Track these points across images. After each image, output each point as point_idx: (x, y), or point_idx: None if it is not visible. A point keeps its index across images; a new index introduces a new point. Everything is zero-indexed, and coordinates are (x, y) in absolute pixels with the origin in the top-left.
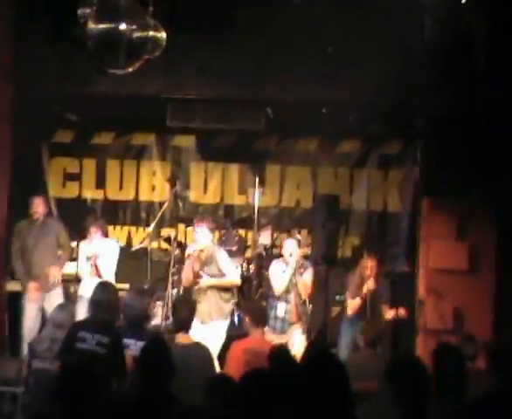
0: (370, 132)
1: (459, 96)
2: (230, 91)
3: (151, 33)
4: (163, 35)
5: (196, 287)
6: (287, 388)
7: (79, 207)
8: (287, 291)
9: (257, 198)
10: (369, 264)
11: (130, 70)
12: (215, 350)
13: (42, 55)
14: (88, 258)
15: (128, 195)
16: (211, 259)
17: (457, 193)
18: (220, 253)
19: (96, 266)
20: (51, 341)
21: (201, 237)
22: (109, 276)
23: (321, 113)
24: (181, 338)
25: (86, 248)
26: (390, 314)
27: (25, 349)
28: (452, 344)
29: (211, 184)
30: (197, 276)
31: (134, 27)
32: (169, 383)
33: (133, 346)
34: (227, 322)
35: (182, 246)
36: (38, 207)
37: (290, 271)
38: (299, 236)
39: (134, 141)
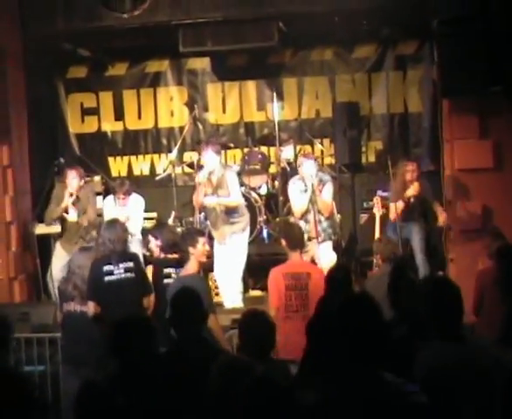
0: (384, 35)
1: None
2: (239, 11)
3: None
4: None
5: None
6: None
7: (100, 140)
8: (307, 211)
9: (276, 113)
10: (409, 168)
11: (136, 13)
12: (239, 266)
13: None
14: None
15: (147, 123)
16: (223, 181)
17: (476, 91)
18: (230, 174)
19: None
20: (75, 283)
21: (208, 161)
22: (137, 229)
23: (334, 22)
24: (184, 269)
25: (113, 211)
26: (442, 217)
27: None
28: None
29: (230, 103)
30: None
31: None
32: (202, 330)
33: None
34: (245, 234)
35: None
36: (73, 181)
37: (309, 192)
38: (320, 146)
39: (148, 69)
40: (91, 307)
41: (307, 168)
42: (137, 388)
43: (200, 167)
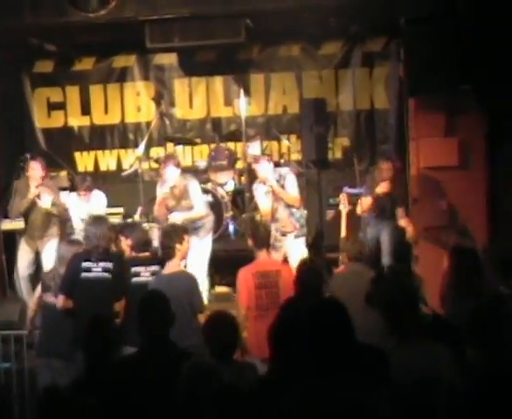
0: (351, 32)
1: None
2: (207, 7)
3: None
4: None
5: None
6: None
7: (67, 135)
8: (275, 210)
9: (243, 108)
10: (384, 167)
11: (102, 12)
12: (203, 265)
13: None
14: (82, 220)
15: (114, 118)
16: (185, 192)
17: (443, 89)
18: (192, 185)
19: None
20: (53, 274)
21: (169, 177)
22: None
23: (301, 18)
24: (168, 266)
25: (77, 206)
26: (403, 221)
27: (23, 289)
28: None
29: (197, 99)
30: (170, 212)
31: None
32: (168, 332)
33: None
34: (209, 234)
35: None
36: (35, 172)
37: (269, 190)
38: (287, 142)
39: (115, 64)
40: (60, 300)
41: (262, 170)
42: (103, 390)
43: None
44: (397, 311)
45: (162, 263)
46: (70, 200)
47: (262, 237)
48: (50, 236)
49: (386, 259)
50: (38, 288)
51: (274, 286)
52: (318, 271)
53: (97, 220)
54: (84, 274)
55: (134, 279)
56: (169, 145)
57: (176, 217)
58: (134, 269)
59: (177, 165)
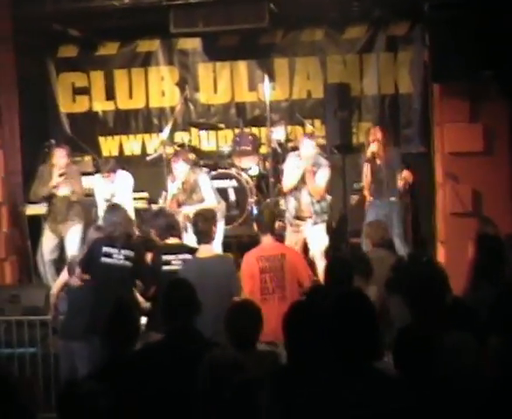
0: (375, 16)
1: None
2: None
3: None
4: None
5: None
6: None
7: (91, 120)
8: (295, 188)
9: (267, 93)
10: (371, 132)
11: (126, 1)
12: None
13: None
14: (106, 200)
15: (138, 103)
16: (195, 187)
17: (467, 76)
18: (202, 179)
19: None
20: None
21: (180, 172)
22: (127, 205)
23: (324, 3)
24: (201, 251)
25: (101, 187)
26: (401, 181)
27: (48, 274)
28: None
29: (221, 84)
30: (181, 206)
31: None
32: (193, 322)
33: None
34: (221, 223)
35: (196, 150)
36: (60, 160)
37: (300, 170)
38: (311, 127)
39: (139, 49)
40: (77, 274)
41: (306, 147)
42: (124, 379)
43: (193, 148)
44: (419, 297)
45: (192, 250)
46: (94, 182)
47: (266, 223)
48: (73, 222)
49: (397, 242)
50: (62, 273)
51: (279, 270)
52: (348, 263)
53: (112, 208)
54: (104, 259)
55: (165, 268)
56: (194, 130)
57: (189, 210)
58: (164, 257)
59: (187, 160)
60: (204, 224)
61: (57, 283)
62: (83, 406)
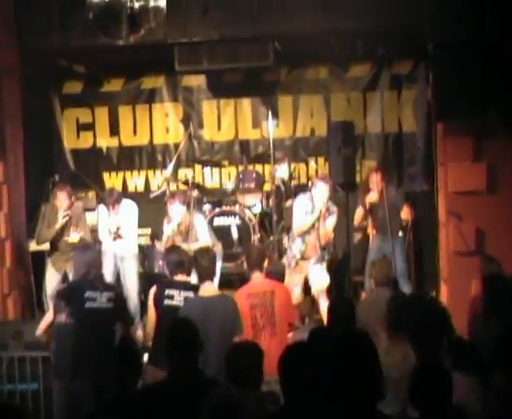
0: (379, 54)
1: (466, 16)
2: (235, 30)
3: (152, 3)
4: (163, 3)
5: None
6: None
7: (95, 156)
8: (307, 232)
9: (271, 130)
10: (373, 177)
11: (132, 40)
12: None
13: (44, 10)
14: (110, 232)
15: (142, 139)
16: (191, 228)
17: (471, 115)
18: (197, 220)
19: (119, 235)
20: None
21: (176, 214)
22: (133, 236)
23: (329, 41)
24: (205, 289)
25: (106, 219)
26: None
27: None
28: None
29: (225, 121)
30: None
31: None
32: (197, 360)
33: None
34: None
35: (199, 187)
36: (64, 202)
37: (316, 215)
38: (314, 165)
39: (144, 85)
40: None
41: (321, 190)
42: (129, 415)
43: (197, 185)
44: (426, 336)
45: (195, 288)
46: (98, 214)
47: (255, 260)
48: None
49: (401, 280)
50: (49, 311)
51: (269, 306)
52: (350, 302)
53: (85, 248)
54: (88, 303)
55: (167, 302)
56: (197, 167)
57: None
58: (167, 291)
59: (183, 202)
60: (207, 262)
61: (43, 320)
62: None
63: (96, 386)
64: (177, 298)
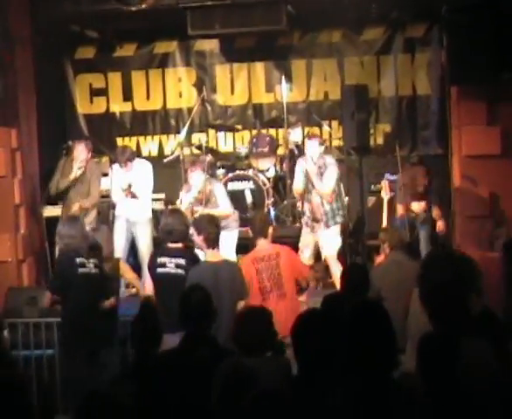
0: (392, 17)
1: None
2: None
3: None
4: None
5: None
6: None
7: (109, 121)
8: (307, 191)
9: (285, 94)
10: (418, 180)
11: (145, 6)
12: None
13: None
14: (123, 190)
15: (155, 104)
16: (211, 196)
17: (484, 78)
18: (217, 188)
19: (132, 193)
20: None
21: (196, 181)
22: (147, 196)
23: (342, 4)
24: (210, 255)
25: (119, 176)
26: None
27: None
28: None
29: (238, 85)
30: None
31: None
32: (210, 328)
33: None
34: (235, 233)
35: (213, 152)
36: (81, 154)
37: (303, 173)
38: (328, 128)
39: (156, 50)
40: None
41: (310, 148)
42: (146, 383)
43: (211, 150)
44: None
45: (185, 255)
46: (112, 172)
47: (258, 227)
48: (89, 225)
49: (424, 247)
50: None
51: (275, 268)
52: (363, 269)
53: (70, 220)
54: (81, 270)
55: (159, 270)
56: (211, 131)
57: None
58: (159, 259)
59: (204, 170)
60: (214, 228)
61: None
62: (106, 407)
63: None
64: (169, 264)
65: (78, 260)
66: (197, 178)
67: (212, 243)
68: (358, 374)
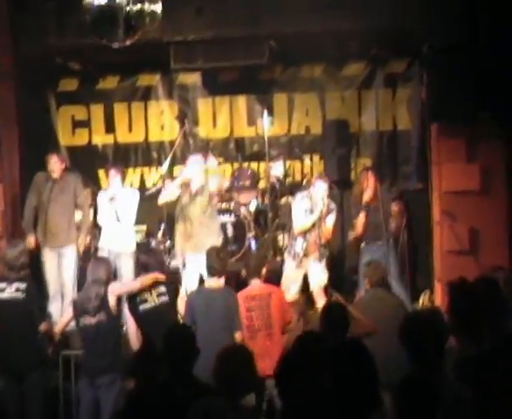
0: (373, 54)
1: (460, 19)
2: (230, 30)
3: (147, 6)
4: (159, 8)
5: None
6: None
7: (91, 153)
8: (308, 231)
9: (266, 128)
10: (367, 177)
11: (128, 43)
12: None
13: (39, 11)
14: (111, 199)
15: (137, 136)
16: (204, 191)
17: (464, 117)
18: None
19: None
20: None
21: (193, 165)
22: (129, 222)
23: (323, 41)
24: (211, 281)
25: (105, 193)
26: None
27: (51, 308)
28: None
29: (220, 118)
30: None
31: (130, 0)
32: (192, 367)
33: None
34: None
35: None
36: (55, 165)
37: (317, 214)
38: (309, 162)
39: (139, 83)
40: None
41: (320, 190)
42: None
43: None
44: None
45: (167, 284)
46: (99, 199)
47: (253, 267)
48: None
49: (394, 284)
50: (67, 311)
51: (265, 308)
52: (343, 308)
53: (13, 244)
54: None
55: (142, 306)
56: None
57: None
58: (139, 297)
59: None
60: (217, 262)
61: (61, 321)
62: None
63: None
64: (150, 298)
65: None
66: (195, 162)
67: (217, 273)
68: (338, 411)
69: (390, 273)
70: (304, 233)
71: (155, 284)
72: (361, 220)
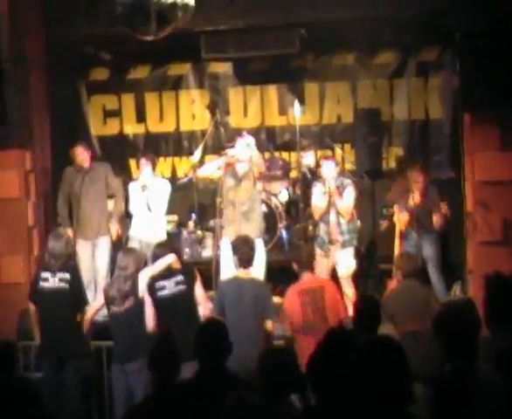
0: (406, 42)
1: (494, 6)
2: (260, 19)
3: (181, 0)
4: (192, 0)
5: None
6: None
7: (122, 143)
8: (325, 212)
9: (297, 117)
10: (417, 178)
11: (161, 36)
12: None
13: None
14: (143, 188)
15: (168, 126)
16: (249, 175)
17: (497, 105)
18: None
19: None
20: (117, 286)
21: (241, 147)
22: (160, 212)
23: (355, 29)
24: (241, 271)
25: (136, 183)
26: (437, 220)
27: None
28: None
29: (251, 107)
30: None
31: None
32: (225, 361)
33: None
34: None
35: None
36: (82, 155)
37: (326, 193)
38: (340, 151)
39: (170, 72)
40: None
41: (327, 169)
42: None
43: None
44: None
45: (184, 273)
46: (130, 190)
47: (305, 262)
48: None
49: (434, 275)
50: (98, 299)
51: (320, 301)
52: (375, 301)
53: (56, 236)
54: (42, 283)
55: (160, 294)
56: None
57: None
58: (158, 283)
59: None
60: (248, 250)
61: (92, 307)
62: None
63: None
64: (168, 285)
65: (42, 274)
66: (243, 145)
67: (245, 262)
68: (371, 407)
69: (430, 265)
70: (323, 215)
71: (174, 272)
72: (404, 217)
